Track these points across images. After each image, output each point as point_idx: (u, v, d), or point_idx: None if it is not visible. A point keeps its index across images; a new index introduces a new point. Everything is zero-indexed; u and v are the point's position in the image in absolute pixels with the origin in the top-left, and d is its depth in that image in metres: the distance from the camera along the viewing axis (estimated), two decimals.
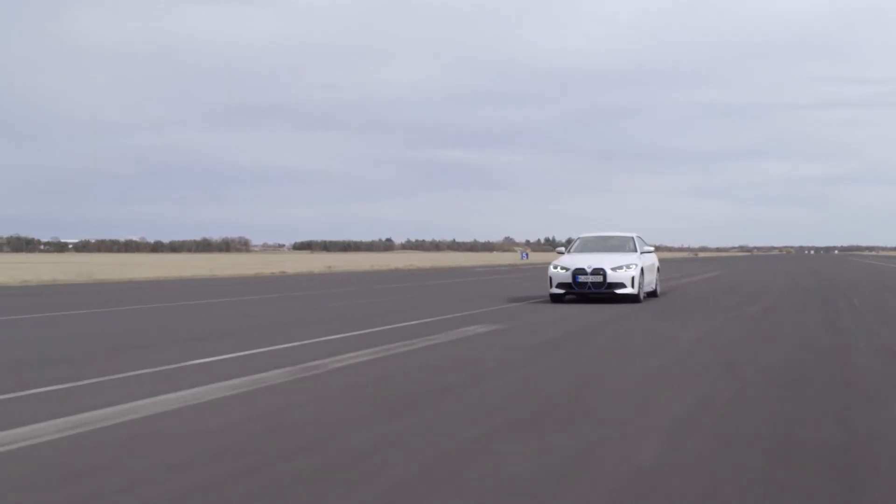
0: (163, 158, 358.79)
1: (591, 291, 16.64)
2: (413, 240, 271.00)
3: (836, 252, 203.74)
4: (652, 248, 18.84)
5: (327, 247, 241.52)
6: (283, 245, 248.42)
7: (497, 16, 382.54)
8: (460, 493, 3.92)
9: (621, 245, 18.48)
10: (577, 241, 19.00)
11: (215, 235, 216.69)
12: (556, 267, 17.25)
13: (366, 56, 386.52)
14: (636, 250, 18.09)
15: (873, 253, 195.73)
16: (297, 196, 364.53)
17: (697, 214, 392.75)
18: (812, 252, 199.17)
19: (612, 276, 16.58)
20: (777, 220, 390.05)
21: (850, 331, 11.52)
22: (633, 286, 16.59)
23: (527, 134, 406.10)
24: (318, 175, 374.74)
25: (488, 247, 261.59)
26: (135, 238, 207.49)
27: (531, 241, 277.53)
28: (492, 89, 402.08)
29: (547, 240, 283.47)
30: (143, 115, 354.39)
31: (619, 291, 16.58)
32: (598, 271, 16.60)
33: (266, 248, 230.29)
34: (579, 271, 16.70)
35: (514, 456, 4.59)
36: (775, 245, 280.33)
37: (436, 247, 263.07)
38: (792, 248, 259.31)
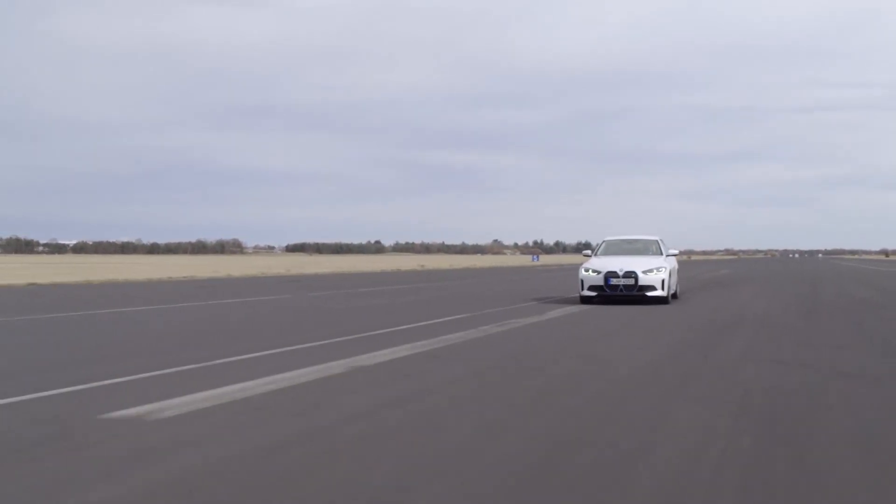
0: (160, 159, 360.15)
1: (622, 294, 17.01)
2: (402, 242, 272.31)
3: (820, 255, 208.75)
4: (676, 252, 19.25)
5: (320, 249, 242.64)
6: (274, 247, 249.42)
7: (492, 18, 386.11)
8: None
9: (645, 248, 18.92)
10: (603, 245, 19.34)
11: (208, 237, 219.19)
12: (587, 270, 17.59)
13: (361, 57, 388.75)
14: (661, 253, 18.52)
15: (856, 257, 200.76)
16: (288, 198, 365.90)
17: (685, 218, 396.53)
18: (796, 255, 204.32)
19: (644, 279, 16.95)
20: (763, 224, 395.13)
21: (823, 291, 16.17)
22: (663, 288, 17.02)
23: (517, 136, 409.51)
24: (312, 177, 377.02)
25: (478, 249, 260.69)
26: (131, 240, 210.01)
27: (519, 243, 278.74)
28: (485, 91, 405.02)
29: (535, 242, 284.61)
30: (141, 116, 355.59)
31: (650, 294, 16.98)
32: (630, 274, 16.96)
33: (258, 251, 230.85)
34: (611, 274, 17.04)
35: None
36: (760, 248, 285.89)
37: (426, 249, 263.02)
38: (777, 251, 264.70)
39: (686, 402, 6.17)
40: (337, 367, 7.84)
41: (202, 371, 7.69)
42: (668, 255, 18.48)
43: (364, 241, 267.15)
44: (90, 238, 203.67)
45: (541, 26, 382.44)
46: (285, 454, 4.57)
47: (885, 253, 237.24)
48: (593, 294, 17.24)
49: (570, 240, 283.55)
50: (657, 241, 19.24)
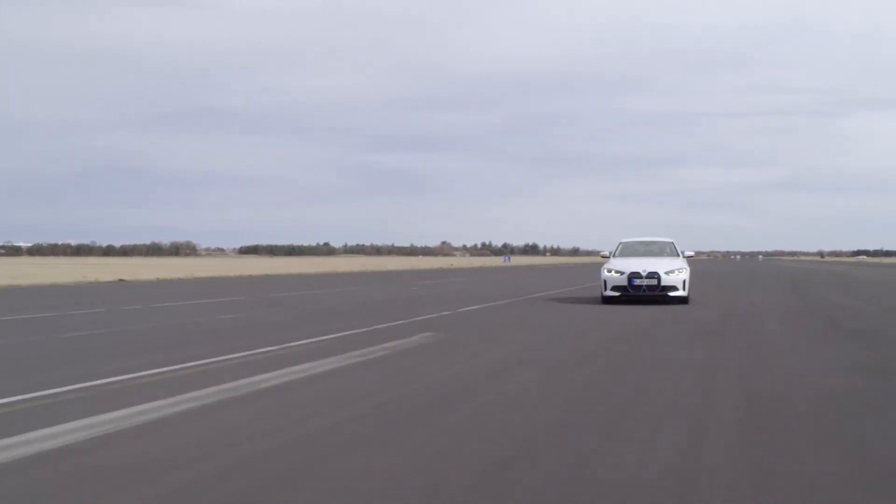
0: (103, 161, 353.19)
1: (645, 294, 17.32)
2: (352, 244, 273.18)
3: (760, 257, 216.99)
4: (691, 253, 19.86)
5: (273, 251, 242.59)
6: (224, 249, 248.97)
7: (435, 21, 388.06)
8: None
9: (661, 250, 19.35)
10: (620, 246, 19.63)
11: (155, 239, 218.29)
12: (609, 271, 17.88)
13: (304, 60, 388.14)
14: (678, 255, 19.00)
15: (794, 258, 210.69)
16: (236, 200, 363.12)
17: (628, 220, 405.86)
18: (738, 257, 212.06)
19: (666, 280, 17.29)
20: (704, 226, 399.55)
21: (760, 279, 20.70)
22: (683, 289, 17.38)
23: (462, 139, 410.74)
24: (258, 179, 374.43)
25: (427, 251, 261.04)
26: (86, 242, 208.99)
27: (468, 245, 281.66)
28: (429, 95, 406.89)
29: (484, 244, 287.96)
30: (81, 118, 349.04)
31: (671, 294, 17.32)
32: (653, 275, 17.28)
33: (210, 253, 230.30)
34: (634, 275, 17.34)
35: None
36: (703, 250, 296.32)
37: (377, 251, 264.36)
38: (719, 253, 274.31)
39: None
40: None
41: None
42: (684, 257, 18.99)
43: (316, 244, 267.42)
44: (43, 240, 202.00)
45: (484, 30, 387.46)
46: None
47: (821, 254, 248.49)
48: (617, 294, 17.59)
49: (518, 242, 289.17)
50: (672, 242, 19.69)
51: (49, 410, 5.83)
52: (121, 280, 33.21)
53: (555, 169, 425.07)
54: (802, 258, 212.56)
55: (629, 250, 19.29)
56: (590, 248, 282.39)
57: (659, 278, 17.27)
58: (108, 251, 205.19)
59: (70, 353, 9.27)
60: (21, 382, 7.02)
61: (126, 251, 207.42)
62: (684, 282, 17.42)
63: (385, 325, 12.72)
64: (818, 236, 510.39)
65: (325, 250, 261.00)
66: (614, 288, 17.62)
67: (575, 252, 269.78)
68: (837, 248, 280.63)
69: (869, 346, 10.11)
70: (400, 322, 13.29)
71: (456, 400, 6.25)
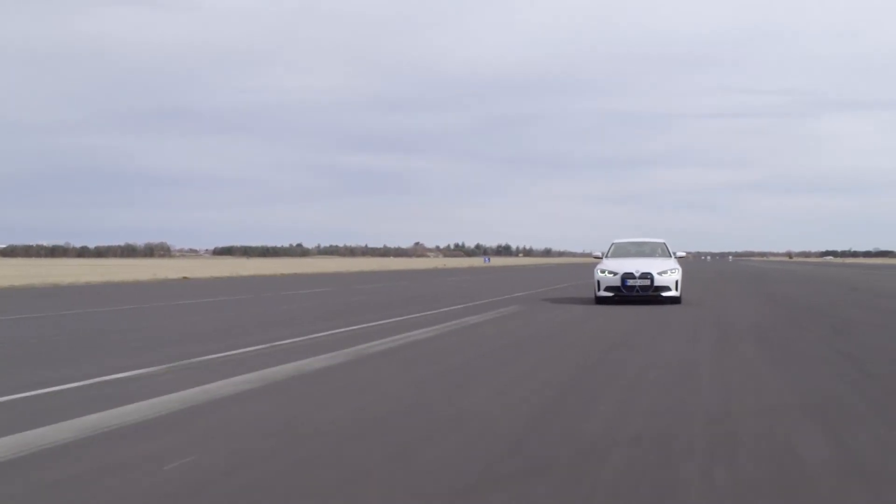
0: (76, 162, 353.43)
1: (639, 294, 17.53)
2: (324, 245, 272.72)
3: (730, 258, 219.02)
4: (683, 254, 19.89)
5: (247, 252, 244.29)
6: (198, 250, 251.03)
7: (408, 23, 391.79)
8: None
9: (653, 250, 19.57)
10: (612, 247, 19.85)
11: (127, 240, 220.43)
12: (603, 271, 18.01)
13: (278, 60, 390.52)
14: (669, 255, 19.18)
15: (763, 259, 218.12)
16: (205, 201, 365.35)
17: (600, 221, 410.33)
18: (708, 258, 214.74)
19: (659, 280, 17.50)
20: (676, 226, 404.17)
21: (732, 276, 26.81)
22: (676, 289, 17.59)
23: (436, 140, 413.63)
24: (231, 180, 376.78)
25: (400, 252, 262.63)
26: (60, 243, 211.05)
27: (441, 246, 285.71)
28: (401, 95, 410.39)
29: (457, 245, 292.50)
30: (55, 117, 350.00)
31: (664, 294, 17.55)
32: (646, 275, 17.48)
33: (184, 254, 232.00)
34: (628, 275, 17.54)
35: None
36: (674, 251, 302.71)
37: (350, 252, 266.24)
38: (689, 253, 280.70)
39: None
40: None
41: None
42: (676, 257, 19.12)
43: (289, 245, 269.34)
44: (16, 242, 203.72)
45: (458, 31, 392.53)
46: None
47: (789, 255, 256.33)
48: (610, 294, 17.80)
49: (491, 242, 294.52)
50: (664, 243, 19.90)
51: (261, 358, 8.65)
52: (185, 278, 38.73)
53: (527, 170, 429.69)
54: (772, 258, 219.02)
55: (621, 251, 19.57)
56: (562, 248, 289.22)
57: (652, 279, 17.49)
58: (83, 252, 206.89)
59: (274, 320, 14.64)
60: (228, 342, 10.25)
61: (101, 252, 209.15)
62: (677, 282, 17.67)
63: (472, 303, 18.78)
64: (788, 237, 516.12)
65: (299, 251, 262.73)
66: (608, 288, 17.82)
67: (547, 253, 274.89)
68: (807, 248, 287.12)
69: (787, 307, 16.87)
70: (483, 301, 19.58)
71: (559, 334, 12.10)
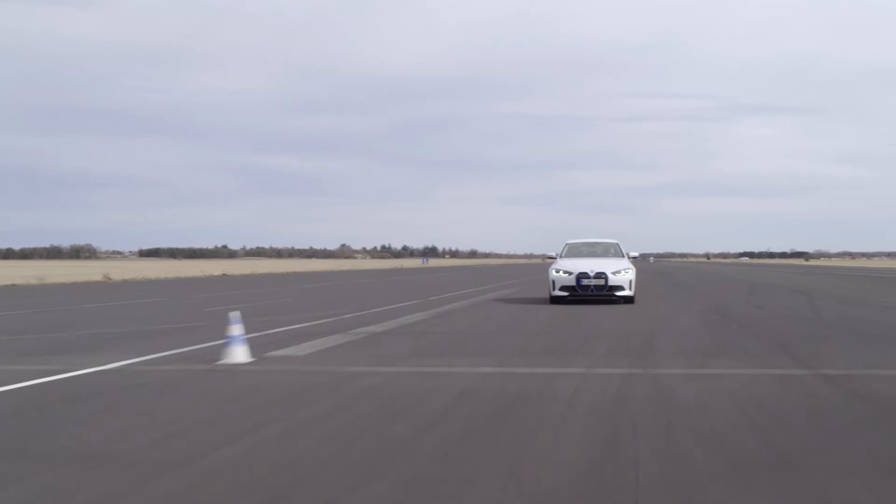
0: None
1: (593, 294, 17.60)
2: (249, 247, 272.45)
3: (651, 259, 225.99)
4: (636, 254, 19.97)
5: (174, 254, 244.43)
6: (123, 252, 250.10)
7: (328, 25, 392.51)
8: None
9: (606, 251, 19.70)
10: (566, 247, 19.86)
11: (52, 242, 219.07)
12: (557, 271, 18.09)
13: (195, 61, 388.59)
14: (623, 255, 19.30)
15: (683, 260, 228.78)
16: (126, 202, 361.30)
17: (521, 223, 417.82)
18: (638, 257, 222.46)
19: (613, 280, 17.57)
20: (596, 228, 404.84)
21: (648, 273, 36.23)
22: (630, 289, 17.67)
23: (359, 142, 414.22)
24: (149, 181, 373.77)
25: (327, 254, 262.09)
26: None
27: (367, 248, 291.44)
28: (322, 97, 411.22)
29: (383, 247, 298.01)
30: None
31: (618, 294, 17.62)
32: (601, 275, 17.56)
33: (110, 256, 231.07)
34: (583, 275, 17.62)
35: None
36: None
37: (277, 254, 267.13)
38: None
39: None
40: None
41: None
42: (629, 258, 19.26)
43: (213, 246, 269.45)
44: None
45: (379, 34, 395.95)
46: None
47: (707, 256, 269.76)
48: (565, 294, 17.92)
49: (417, 244, 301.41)
50: (617, 243, 20.02)
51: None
52: (224, 274, 46.07)
53: (449, 172, 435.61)
54: (691, 259, 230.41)
55: (575, 251, 19.69)
56: (487, 250, 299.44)
57: (606, 278, 17.59)
58: (8, 254, 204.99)
59: (379, 293, 23.49)
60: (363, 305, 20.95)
61: (26, 254, 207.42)
62: (630, 282, 17.77)
63: (476, 288, 27.40)
64: (708, 238, 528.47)
65: (226, 253, 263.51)
66: (563, 288, 17.90)
67: (473, 254, 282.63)
68: (726, 250, 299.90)
69: (686, 290, 25.75)
70: (486, 287, 28.34)
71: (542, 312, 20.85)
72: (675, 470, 4.09)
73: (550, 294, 18.13)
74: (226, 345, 8.41)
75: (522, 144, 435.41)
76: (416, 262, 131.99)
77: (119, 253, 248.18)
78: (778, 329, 11.83)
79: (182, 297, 23.50)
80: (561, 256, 19.33)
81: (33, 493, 3.85)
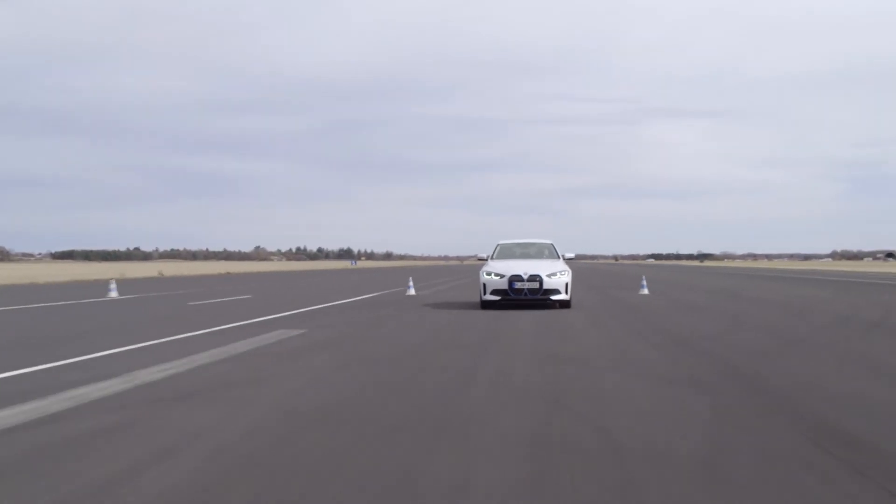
0: None
1: (526, 298, 16.64)
2: (162, 249, 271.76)
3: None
4: (572, 255, 18.90)
5: (89, 256, 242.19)
6: (34, 254, 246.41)
7: (247, 26, 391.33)
8: None
9: (540, 252, 18.88)
10: (497, 248, 18.92)
11: None
12: (489, 274, 16.96)
13: (111, 60, 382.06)
14: (558, 257, 18.40)
15: (593, 261, 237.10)
16: (38, 203, 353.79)
17: (436, 225, 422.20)
18: None
19: (548, 283, 16.60)
20: (510, 230, 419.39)
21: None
22: (566, 292, 16.71)
23: (273, 144, 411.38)
24: (61, 182, 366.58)
25: (242, 256, 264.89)
26: None
27: (283, 250, 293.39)
28: (237, 98, 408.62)
29: (299, 249, 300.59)
30: None
31: (554, 297, 16.65)
32: (535, 278, 16.59)
33: (22, 258, 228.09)
34: (516, 278, 16.62)
35: None
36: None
37: (192, 256, 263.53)
38: None
39: None
40: None
41: None
42: (564, 259, 18.40)
43: (127, 248, 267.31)
44: None
45: (298, 35, 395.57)
46: None
47: (615, 258, 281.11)
48: (497, 298, 16.86)
49: (332, 246, 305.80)
50: (551, 244, 19.24)
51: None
52: (228, 273, 52.54)
53: (366, 174, 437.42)
54: (600, 261, 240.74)
55: (507, 252, 18.81)
56: (402, 252, 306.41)
57: (541, 281, 16.64)
58: None
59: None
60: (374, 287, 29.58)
61: None
62: (567, 285, 16.87)
63: (436, 280, 35.54)
64: (619, 240, 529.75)
65: (141, 255, 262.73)
66: (494, 292, 16.92)
67: (388, 256, 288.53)
68: (635, 251, 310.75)
69: (595, 286, 34.60)
70: (439, 280, 36.35)
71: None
72: None
73: (481, 298, 17.06)
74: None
75: (440, 146, 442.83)
76: (337, 265, 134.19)
77: (30, 255, 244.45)
78: (609, 286, 22.83)
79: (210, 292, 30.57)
80: (492, 258, 18.34)
81: None
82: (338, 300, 21.00)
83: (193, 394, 6.39)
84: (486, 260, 18.34)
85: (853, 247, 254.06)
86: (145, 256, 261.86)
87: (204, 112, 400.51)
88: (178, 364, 8.12)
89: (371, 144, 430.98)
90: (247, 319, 14.13)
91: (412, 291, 24.40)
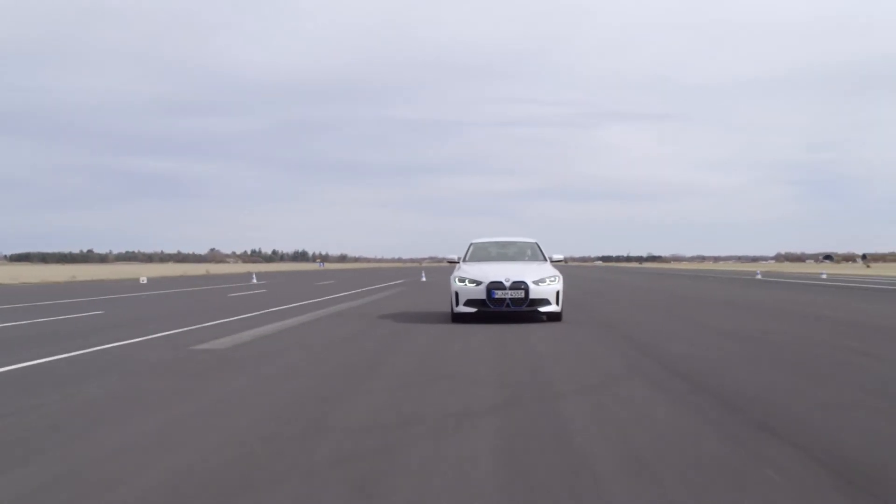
0: None
1: (509, 309, 13.62)
2: (116, 251, 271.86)
3: None
4: (561, 257, 16.10)
5: (45, 258, 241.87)
6: None
7: (198, 25, 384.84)
8: None
9: (522, 252, 16.18)
10: (471, 248, 16.11)
11: None
12: (462, 280, 13.92)
13: (57, 59, 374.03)
14: (544, 259, 15.63)
15: None
16: None
17: (391, 227, 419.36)
18: None
19: (536, 292, 13.63)
20: (464, 233, 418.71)
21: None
22: (557, 303, 13.79)
23: (226, 145, 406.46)
24: (8, 183, 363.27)
25: (197, 258, 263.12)
26: None
27: (238, 252, 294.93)
28: (189, 98, 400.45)
29: (254, 251, 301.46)
30: None
31: (543, 309, 13.71)
32: (519, 285, 13.58)
33: None
34: (495, 285, 13.59)
35: None
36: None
37: (148, 258, 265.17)
38: None
39: None
40: None
41: None
42: (552, 262, 15.58)
43: (80, 250, 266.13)
44: None
45: (249, 35, 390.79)
46: None
47: (565, 260, 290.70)
48: (472, 310, 13.74)
49: (287, 248, 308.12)
50: (535, 243, 16.36)
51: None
52: (208, 272, 58.86)
53: (320, 176, 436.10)
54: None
55: (482, 253, 15.99)
56: (357, 254, 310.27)
57: (527, 290, 13.58)
58: None
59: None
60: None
61: None
62: (558, 293, 13.78)
63: (421, 275, 42.49)
64: (571, 242, 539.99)
65: (97, 258, 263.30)
66: (469, 302, 13.76)
67: (343, 258, 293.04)
68: (587, 253, 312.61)
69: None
70: (420, 275, 43.33)
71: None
72: None
73: (452, 310, 14.08)
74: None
75: (394, 149, 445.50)
76: (305, 266, 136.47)
77: None
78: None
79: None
80: (465, 260, 15.57)
81: None
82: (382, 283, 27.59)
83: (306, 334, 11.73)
84: (458, 262, 15.50)
85: (800, 248, 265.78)
86: (101, 259, 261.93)
87: (155, 113, 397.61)
88: (281, 325, 13.44)
89: (324, 146, 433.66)
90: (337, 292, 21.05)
91: (424, 278, 31.49)
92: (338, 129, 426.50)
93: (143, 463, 4.26)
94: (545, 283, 13.81)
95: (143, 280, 31.91)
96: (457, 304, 13.92)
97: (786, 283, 35.16)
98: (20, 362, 8.66)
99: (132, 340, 11.01)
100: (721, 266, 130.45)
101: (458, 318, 14.03)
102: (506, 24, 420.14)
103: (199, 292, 29.11)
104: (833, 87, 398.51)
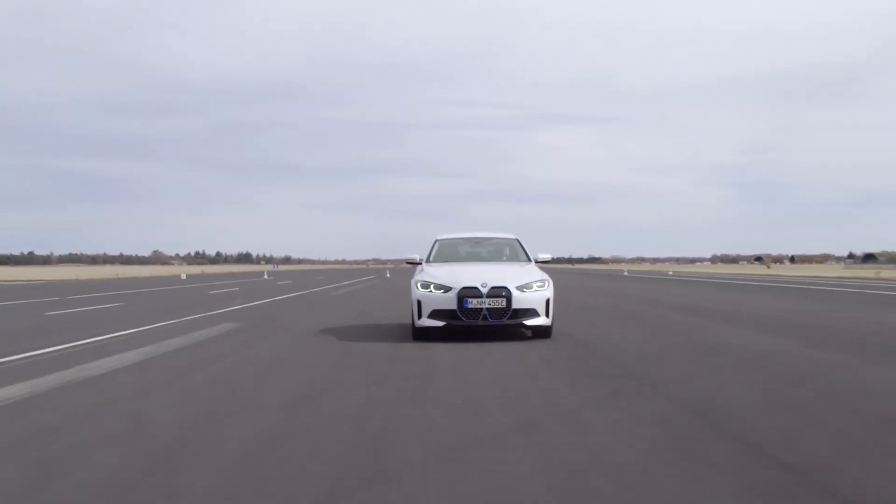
0: None
1: (486, 323, 10.67)
2: (57, 253, 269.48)
3: None
4: (548, 257, 12.81)
5: None
6: None
7: (136, 25, 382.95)
8: None
9: (499, 251, 13.05)
10: (436, 246, 12.90)
11: None
12: (426, 286, 10.89)
13: None
14: (528, 259, 12.54)
15: None
16: None
17: (335, 228, 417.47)
18: None
19: (520, 300, 10.72)
20: (407, 234, 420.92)
21: None
22: (546, 314, 10.93)
23: (167, 146, 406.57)
24: None
25: (141, 260, 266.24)
26: None
27: (181, 254, 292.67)
28: (128, 99, 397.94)
29: (197, 253, 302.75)
30: None
31: (529, 322, 10.83)
32: (499, 292, 10.61)
33: None
34: (469, 292, 10.61)
35: None
36: (401, 258, 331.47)
37: (92, 260, 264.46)
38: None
39: None
40: None
41: None
42: (538, 263, 12.47)
43: (20, 252, 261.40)
44: None
45: (190, 35, 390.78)
46: None
47: (552, 260, 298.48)
48: (439, 324, 10.78)
49: (231, 250, 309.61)
50: (516, 239, 13.27)
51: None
52: (191, 274, 64.04)
53: (262, 177, 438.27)
54: None
55: (450, 252, 12.77)
56: (301, 255, 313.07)
57: (509, 298, 10.64)
58: None
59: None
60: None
61: None
62: (547, 302, 10.95)
63: (379, 276, 49.20)
64: None
65: (40, 259, 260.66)
66: (435, 314, 10.76)
67: (287, 260, 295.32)
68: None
69: None
70: (376, 276, 50.13)
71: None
72: None
73: (414, 324, 10.99)
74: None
75: (338, 150, 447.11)
76: (260, 268, 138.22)
77: None
78: None
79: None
80: (429, 261, 12.36)
81: None
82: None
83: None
84: (419, 264, 12.38)
85: (736, 250, 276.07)
86: (44, 261, 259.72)
87: (94, 113, 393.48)
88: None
89: (268, 148, 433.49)
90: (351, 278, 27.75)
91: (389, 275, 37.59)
92: (281, 130, 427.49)
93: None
94: (531, 290, 10.93)
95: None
96: (419, 316, 10.91)
97: (656, 279, 44.94)
98: None
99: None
100: (649, 267, 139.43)
101: (421, 335, 11.02)
102: (449, 26, 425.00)
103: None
104: (766, 94, 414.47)
